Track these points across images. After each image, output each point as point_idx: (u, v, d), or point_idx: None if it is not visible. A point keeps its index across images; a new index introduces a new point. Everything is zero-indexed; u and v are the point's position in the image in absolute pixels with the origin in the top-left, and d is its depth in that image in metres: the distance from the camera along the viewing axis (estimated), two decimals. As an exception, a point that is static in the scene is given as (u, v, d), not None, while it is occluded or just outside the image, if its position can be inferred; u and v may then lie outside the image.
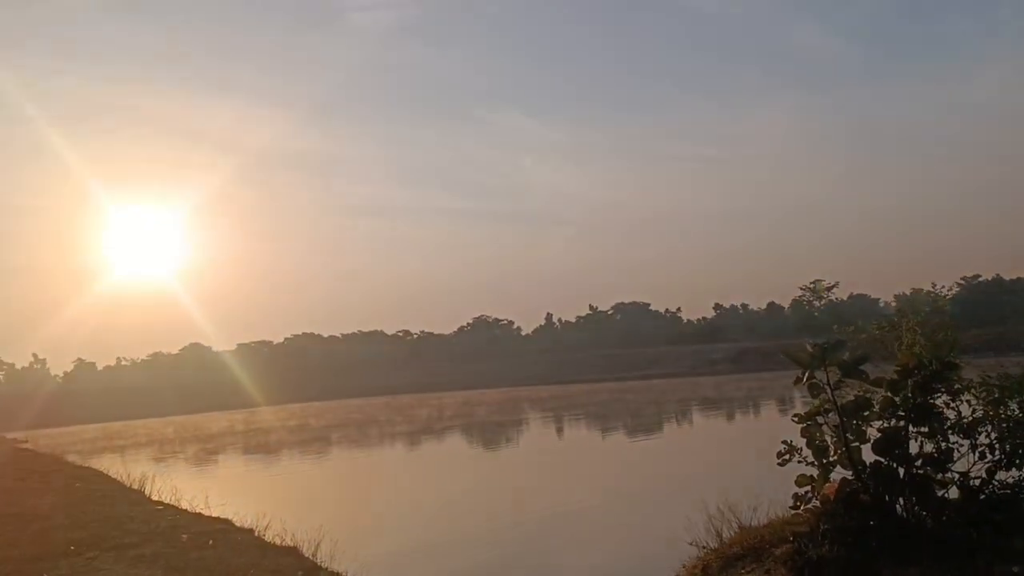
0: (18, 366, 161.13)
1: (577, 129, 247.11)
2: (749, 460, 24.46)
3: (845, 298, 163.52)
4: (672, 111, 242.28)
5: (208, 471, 32.99)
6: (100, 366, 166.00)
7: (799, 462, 7.01)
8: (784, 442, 7.09)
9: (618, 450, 31.43)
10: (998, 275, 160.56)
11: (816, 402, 7.11)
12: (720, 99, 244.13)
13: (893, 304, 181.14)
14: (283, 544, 13.57)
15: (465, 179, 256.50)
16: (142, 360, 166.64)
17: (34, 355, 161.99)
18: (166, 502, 18.99)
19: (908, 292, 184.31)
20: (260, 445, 44.93)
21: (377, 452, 38.13)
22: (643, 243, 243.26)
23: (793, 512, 7.20)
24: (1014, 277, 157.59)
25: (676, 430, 38.77)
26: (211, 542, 13.38)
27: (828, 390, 6.28)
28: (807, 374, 6.33)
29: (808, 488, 6.66)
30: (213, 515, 16.80)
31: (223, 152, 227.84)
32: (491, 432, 44.08)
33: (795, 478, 6.69)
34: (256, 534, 14.71)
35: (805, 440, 6.66)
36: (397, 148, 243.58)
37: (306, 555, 12.97)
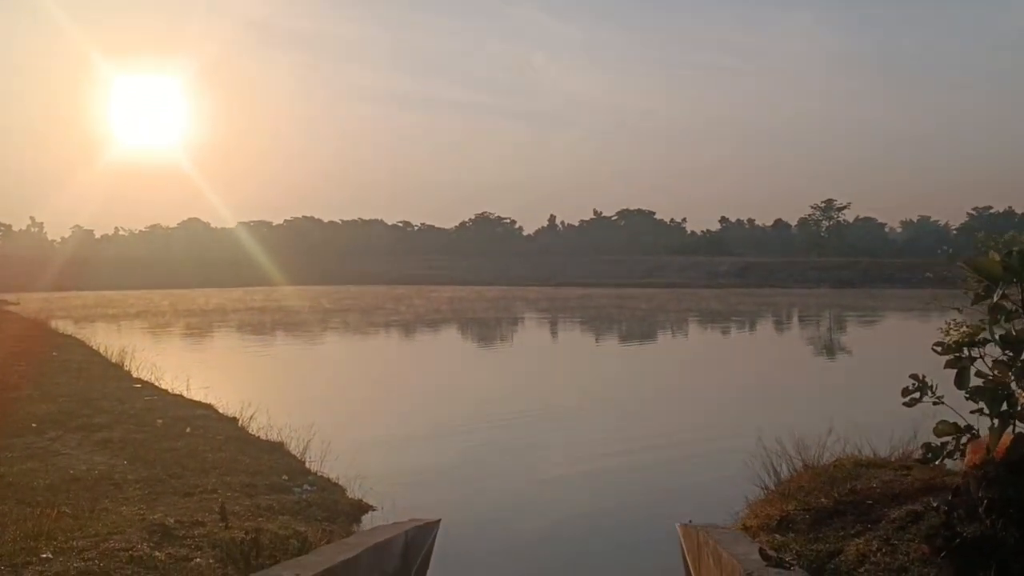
0: (15, 228, 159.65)
1: (592, 27, 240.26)
2: (794, 385, 23.13)
3: (851, 221, 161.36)
4: (690, 17, 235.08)
5: (198, 349, 31.66)
6: (98, 235, 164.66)
7: (934, 403, 5.40)
8: (914, 376, 5.46)
9: (631, 360, 30.10)
10: (1010, 207, 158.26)
11: (960, 328, 5.47)
12: (740, 6, 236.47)
13: (899, 230, 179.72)
14: (267, 439, 12.19)
15: (474, 72, 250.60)
16: (140, 232, 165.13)
17: (31, 218, 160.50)
18: (146, 380, 17.64)
19: (915, 219, 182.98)
20: (254, 325, 43.64)
21: (374, 341, 36.82)
22: (651, 151, 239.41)
23: (918, 467, 5.66)
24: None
25: (706, 343, 37.44)
26: (188, 430, 11.99)
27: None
28: (998, 292, 4.63)
29: (951, 440, 5.05)
30: (195, 399, 15.45)
31: (219, 17, 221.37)
32: (490, 329, 42.79)
33: (934, 426, 5.07)
34: (239, 424, 13.35)
35: (956, 377, 5.00)
36: (405, 32, 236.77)
37: (293, 453, 11.60)
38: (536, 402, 18.59)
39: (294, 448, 11.80)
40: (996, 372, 4.89)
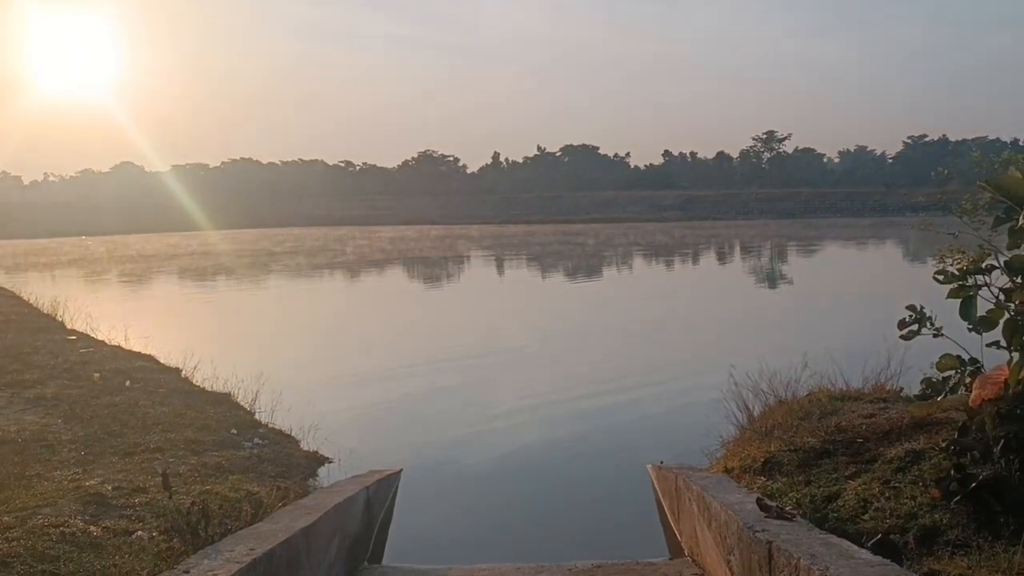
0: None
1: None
2: (755, 318, 23.05)
3: (791, 152, 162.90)
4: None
5: (136, 297, 30.53)
6: (26, 180, 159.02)
7: (934, 335, 5.07)
8: (911, 308, 5.12)
9: (583, 297, 29.79)
10: (944, 135, 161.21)
11: (960, 255, 5.13)
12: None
13: (837, 160, 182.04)
14: (213, 390, 11.57)
15: (413, 6, 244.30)
16: (71, 177, 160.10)
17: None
18: (82, 332, 16.77)
19: (853, 149, 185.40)
20: (194, 271, 42.35)
21: (318, 284, 36.01)
22: (594, 86, 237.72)
23: (917, 402, 5.34)
24: (959, 139, 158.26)
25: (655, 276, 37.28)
26: (128, 383, 11.30)
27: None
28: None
29: (953, 374, 4.73)
30: (135, 350, 14.70)
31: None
32: (436, 269, 42.18)
33: (937, 360, 4.74)
34: (183, 375, 12.69)
35: (962, 307, 4.65)
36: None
37: (241, 405, 11.02)
38: (491, 342, 18.19)
39: (242, 399, 11.20)
40: (1006, 300, 4.55)
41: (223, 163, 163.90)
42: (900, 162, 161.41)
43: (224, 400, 11.04)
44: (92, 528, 4.82)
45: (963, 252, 5.65)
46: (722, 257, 46.33)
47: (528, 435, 10.67)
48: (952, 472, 4.30)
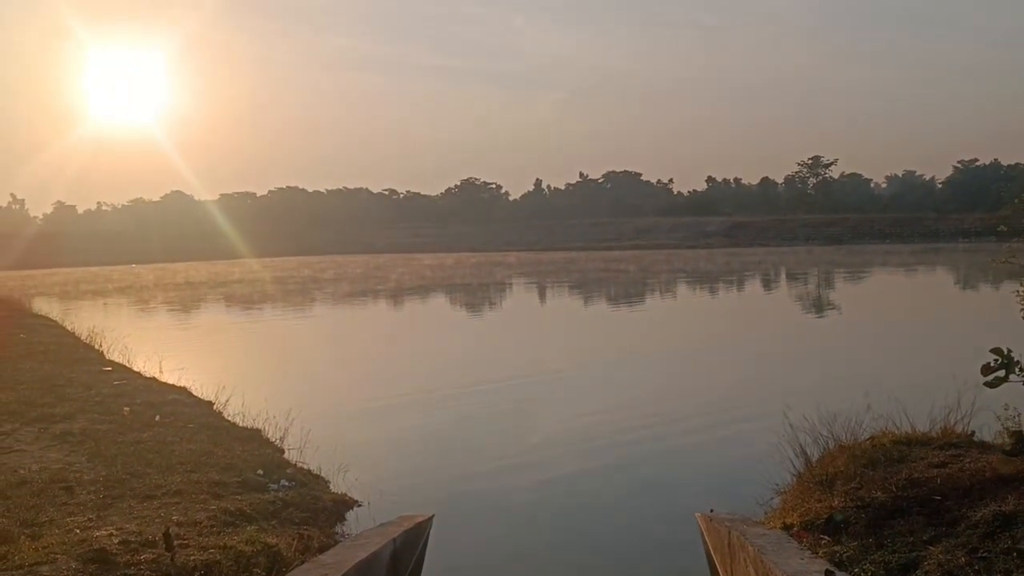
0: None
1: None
2: (810, 351, 22.26)
3: (837, 177, 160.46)
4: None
5: (176, 326, 30.54)
6: (80, 210, 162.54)
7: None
8: (996, 351, 4.56)
9: (626, 326, 29.15)
10: (996, 159, 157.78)
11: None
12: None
13: (884, 185, 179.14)
14: (244, 425, 11.23)
15: (453, 36, 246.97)
16: (123, 206, 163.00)
17: (12, 195, 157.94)
18: (118, 362, 16.63)
19: (900, 174, 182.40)
20: (236, 299, 42.51)
21: (359, 313, 35.83)
22: (636, 112, 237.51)
23: (1004, 456, 4.76)
24: (1012, 163, 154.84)
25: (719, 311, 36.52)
26: (157, 418, 11.02)
27: None
28: None
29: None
30: (168, 382, 14.46)
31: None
32: (477, 297, 41.80)
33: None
34: (214, 409, 12.40)
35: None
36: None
37: (271, 441, 10.66)
38: (530, 375, 17.63)
39: (272, 435, 10.87)
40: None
41: (270, 192, 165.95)
42: (950, 187, 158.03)
43: (254, 436, 10.69)
44: (89, 591, 4.42)
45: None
46: (769, 286, 45.32)
47: (568, 476, 10.10)
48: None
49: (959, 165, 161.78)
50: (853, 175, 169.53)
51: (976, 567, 4.08)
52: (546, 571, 7.27)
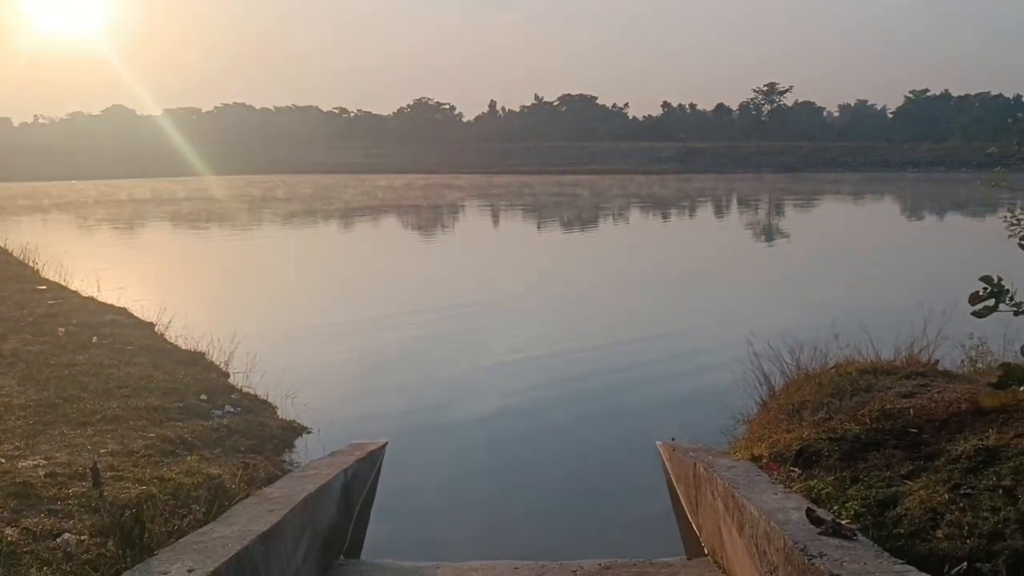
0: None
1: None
2: (769, 277, 22.21)
3: (791, 105, 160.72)
4: None
5: (116, 244, 29.51)
6: (16, 123, 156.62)
7: (1016, 313, 4.26)
8: (986, 279, 4.30)
9: (581, 250, 28.87)
10: (947, 90, 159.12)
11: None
12: None
13: (837, 114, 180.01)
14: (187, 348, 10.76)
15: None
16: (61, 119, 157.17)
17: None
18: (54, 281, 15.91)
19: (853, 103, 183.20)
20: (179, 218, 41.31)
21: (306, 233, 35.01)
22: (593, 34, 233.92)
23: (990, 389, 4.54)
24: (962, 93, 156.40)
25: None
26: (95, 339, 10.46)
27: None
28: None
29: (1046, 360, 3.93)
30: (108, 302, 13.86)
31: None
32: (428, 219, 41.17)
33: (1023, 346, 3.94)
34: (156, 331, 11.88)
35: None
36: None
37: (216, 365, 10.23)
38: (486, 295, 17.31)
39: (218, 359, 10.43)
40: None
41: (216, 108, 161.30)
42: (901, 117, 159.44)
43: (198, 360, 10.24)
44: (9, 530, 4.03)
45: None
46: (728, 213, 45.35)
47: (526, 403, 9.85)
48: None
49: (910, 95, 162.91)
50: (807, 103, 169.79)
51: (960, 504, 3.88)
52: (503, 500, 7.04)
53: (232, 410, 8.00)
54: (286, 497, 4.79)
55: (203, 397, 8.23)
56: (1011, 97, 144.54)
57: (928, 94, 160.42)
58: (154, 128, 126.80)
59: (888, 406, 5.54)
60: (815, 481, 4.69)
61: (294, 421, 8.35)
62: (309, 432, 8.18)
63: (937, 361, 7.63)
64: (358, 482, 6.32)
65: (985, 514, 3.74)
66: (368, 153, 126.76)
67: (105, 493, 4.59)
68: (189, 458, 5.76)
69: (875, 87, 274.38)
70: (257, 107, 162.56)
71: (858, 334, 8.39)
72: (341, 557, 5.55)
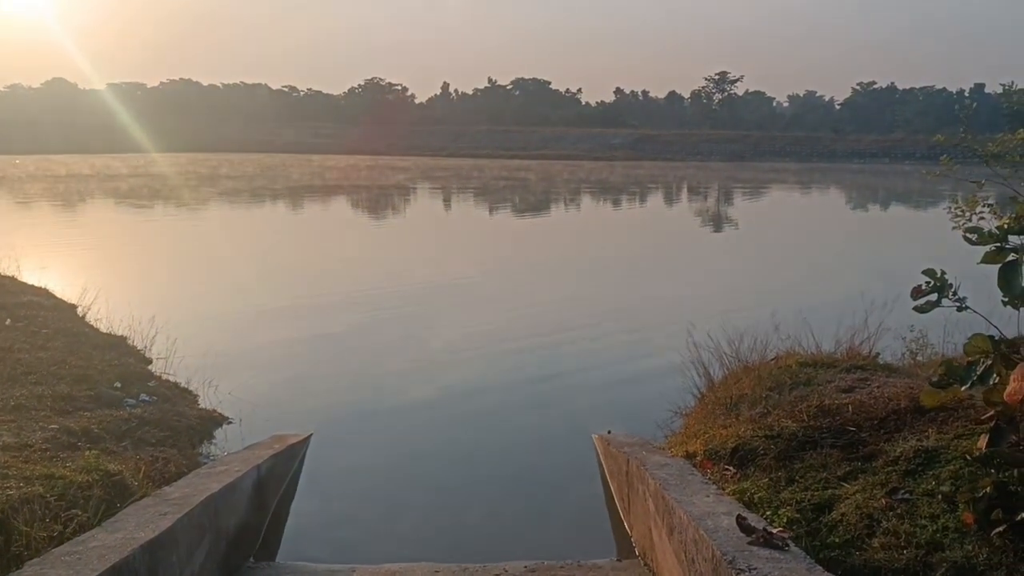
0: None
1: None
2: (713, 266, 22.14)
3: (741, 94, 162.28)
4: None
5: (46, 222, 28.44)
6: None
7: (958, 309, 4.06)
8: (929, 272, 4.10)
9: (528, 234, 28.59)
10: (892, 83, 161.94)
11: (976, 207, 4.11)
12: None
13: (786, 104, 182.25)
14: (108, 332, 10.26)
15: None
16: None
17: None
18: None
19: (802, 94, 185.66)
20: (116, 195, 40.09)
21: (251, 211, 34.20)
22: (546, 17, 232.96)
23: (931, 389, 4.34)
24: (908, 87, 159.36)
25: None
26: (8, 321, 9.90)
27: None
28: None
29: (984, 362, 3.73)
30: (28, 282, 13.22)
31: None
32: (376, 201, 40.55)
33: (965, 343, 3.74)
34: (78, 313, 11.33)
35: (1001, 276, 3.66)
36: None
37: (138, 350, 9.76)
38: (422, 285, 16.90)
39: (139, 343, 9.96)
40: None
41: (162, 83, 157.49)
42: (848, 108, 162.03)
43: (118, 345, 9.76)
44: None
45: (990, 205, 4.67)
46: (676, 201, 45.44)
47: (460, 391, 9.54)
48: (990, 492, 3.32)
49: (857, 87, 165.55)
50: (757, 93, 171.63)
51: (898, 510, 3.68)
52: (430, 495, 6.73)
53: (147, 399, 7.56)
54: (185, 498, 4.42)
55: (117, 385, 7.77)
56: (954, 91, 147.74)
57: (875, 86, 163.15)
58: (97, 103, 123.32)
59: (827, 402, 5.34)
60: (748, 483, 4.47)
61: (214, 411, 7.94)
62: (230, 423, 7.79)
63: (877, 354, 7.50)
64: (275, 478, 5.96)
65: (923, 522, 3.54)
66: (317, 133, 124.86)
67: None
68: (88, 453, 5.33)
69: (824, 79, 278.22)
70: (204, 83, 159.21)
71: (799, 325, 8.25)
72: (251, 560, 5.20)
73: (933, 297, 4.11)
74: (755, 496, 4.21)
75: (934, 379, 4.00)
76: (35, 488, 4.50)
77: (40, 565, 3.34)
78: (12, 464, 5.00)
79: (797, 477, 4.41)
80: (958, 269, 4.33)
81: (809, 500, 4.06)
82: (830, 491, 4.11)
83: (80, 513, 4.17)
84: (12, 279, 13.29)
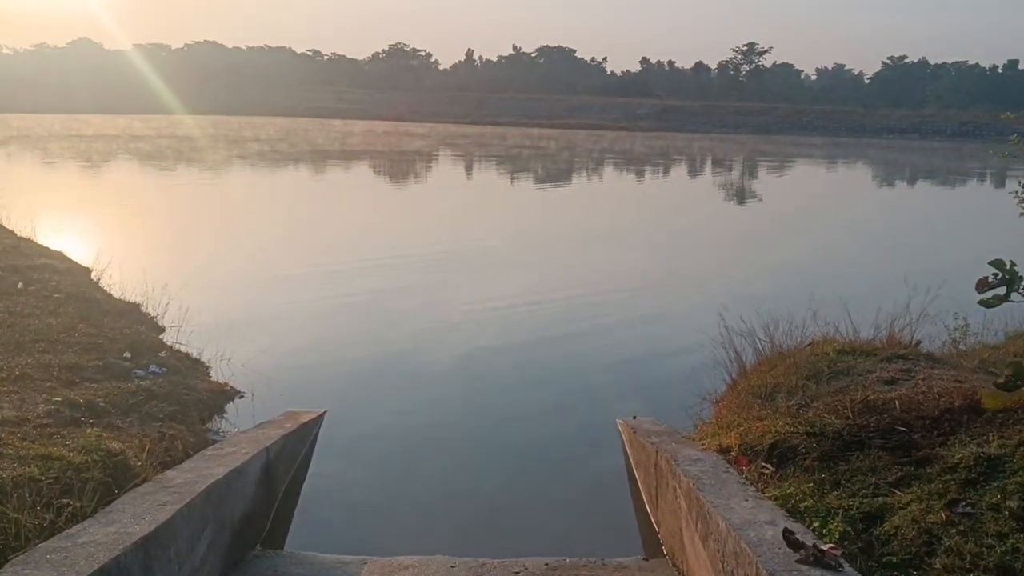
0: None
1: None
2: (745, 243, 21.67)
3: (769, 66, 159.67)
4: None
5: (67, 183, 28.27)
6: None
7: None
8: (997, 264, 3.74)
9: (552, 204, 28.12)
10: (924, 57, 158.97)
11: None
12: None
13: (814, 77, 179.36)
14: (122, 298, 10.04)
15: None
16: (25, 50, 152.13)
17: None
18: (-8, 219, 14.97)
19: (831, 67, 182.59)
20: (139, 155, 39.92)
21: (271, 176, 33.89)
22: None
23: (994, 390, 3.98)
24: (939, 62, 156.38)
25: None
26: (20, 285, 9.69)
27: None
28: None
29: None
30: (45, 244, 13.02)
31: None
32: (397, 167, 40.14)
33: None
34: (92, 277, 11.12)
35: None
36: None
37: (151, 317, 9.55)
38: (446, 252, 16.57)
39: (154, 310, 9.74)
40: None
41: (186, 45, 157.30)
42: (878, 82, 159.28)
43: (131, 311, 9.54)
44: None
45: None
46: (702, 173, 44.70)
47: (480, 369, 9.24)
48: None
49: (888, 61, 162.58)
50: (785, 65, 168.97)
51: (960, 526, 3.34)
52: (451, 478, 6.45)
53: (157, 370, 7.32)
54: (187, 484, 4.16)
55: (127, 355, 7.53)
56: (987, 67, 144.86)
57: (905, 61, 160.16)
58: (122, 63, 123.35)
59: (871, 396, 4.99)
60: (790, 485, 4.14)
61: (226, 384, 7.69)
62: (242, 397, 7.54)
63: (919, 342, 7.12)
64: (284, 460, 5.70)
65: (990, 541, 3.21)
66: (341, 98, 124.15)
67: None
68: (89, 430, 5.08)
69: (853, 52, 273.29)
70: (229, 46, 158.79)
71: (836, 308, 7.87)
72: (257, 547, 4.95)
73: (1001, 291, 3.75)
74: (800, 504, 3.88)
75: (1000, 381, 3.65)
76: (30, 470, 4.25)
77: (23, 564, 3.08)
78: (9, 442, 4.75)
79: (843, 481, 4.08)
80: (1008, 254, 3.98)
81: (858, 508, 3.74)
82: (881, 499, 3.78)
83: (71, 502, 3.90)
84: (29, 241, 13.11)
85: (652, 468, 5.34)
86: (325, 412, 7.03)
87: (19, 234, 13.60)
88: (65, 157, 37.68)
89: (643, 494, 5.72)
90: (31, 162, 35.09)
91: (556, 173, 38.78)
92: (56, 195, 23.32)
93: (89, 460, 4.57)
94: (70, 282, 10.40)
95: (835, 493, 3.98)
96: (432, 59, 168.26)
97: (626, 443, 6.50)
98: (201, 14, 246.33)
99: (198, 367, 8.06)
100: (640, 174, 40.42)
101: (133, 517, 3.61)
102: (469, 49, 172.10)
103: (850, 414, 4.77)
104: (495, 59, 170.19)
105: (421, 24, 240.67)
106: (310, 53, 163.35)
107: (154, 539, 3.44)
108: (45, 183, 26.96)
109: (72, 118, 77.59)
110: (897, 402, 4.83)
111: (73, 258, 12.07)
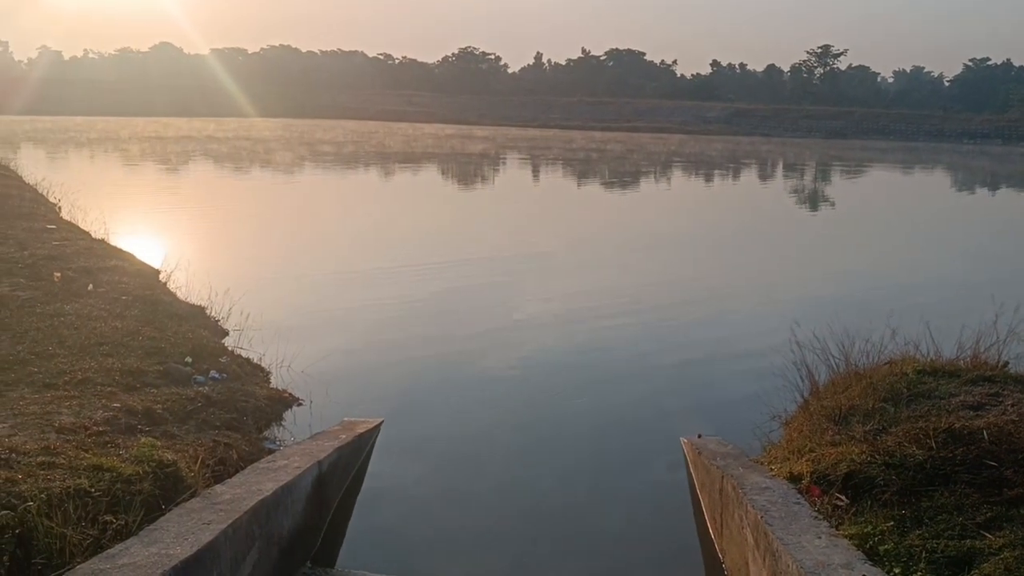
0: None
1: None
2: (819, 252, 21.11)
3: (844, 69, 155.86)
4: None
5: (146, 184, 28.92)
6: (67, 56, 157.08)
7: None
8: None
9: (619, 212, 27.80)
10: (1008, 59, 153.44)
11: None
12: None
13: (891, 80, 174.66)
14: (188, 301, 10.11)
15: None
16: (110, 55, 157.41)
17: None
18: (67, 219, 15.34)
19: (909, 70, 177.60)
20: (217, 157, 40.73)
21: (341, 178, 34.22)
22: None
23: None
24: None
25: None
26: (90, 287, 9.82)
27: None
28: None
29: None
30: (116, 246, 13.25)
31: None
32: (467, 170, 40.18)
33: None
34: (161, 279, 11.24)
35: None
36: None
37: (215, 320, 9.59)
38: (511, 256, 16.40)
39: (218, 314, 9.78)
40: None
41: (262, 49, 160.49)
42: (958, 85, 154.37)
43: (195, 315, 9.58)
44: None
45: None
46: (773, 179, 43.77)
47: (543, 380, 9.02)
48: None
49: (969, 63, 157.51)
50: (860, 67, 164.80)
51: (1060, 579, 3.03)
52: (507, 494, 6.27)
53: (217, 376, 7.29)
54: (235, 501, 4.06)
55: (188, 360, 7.53)
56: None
57: (988, 63, 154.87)
58: (200, 67, 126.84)
59: (956, 424, 4.66)
60: (867, 522, 3.85)
61: (285, 391, 7.63)
62: (300, 404, 7.46)
63: (1007, 363, 6.69)
64: (338, 473, 5.58)
65: (1095, 598, 2.90)
66: (411, 101, 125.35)
67: (22, 489, 3.88)
68: (144, 440, 5.04)
69: (932, 54, 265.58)
70: (303, 50, 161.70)
71: (915, 323, 7.47)
72: (307, 565, 4.83)
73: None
74: (879, 546, 3.59)
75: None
76: (81, 481, 4.20)
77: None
78: (63, 451, 4.72)
79: (926, 520, 3.78)
80: None
81: (943, 551, 3.45)
82: (969, 541, 3.49)
83: (113, 520, 3.82)
84: (102, 242, 13.35)
85: (717, 493, 5.09)
86: (382, 422, 6.91)
87: (94, 235, 13.88)
88: (144, 159, 38.66)
89: (707, 519, 5.46)
90: (113, 164, 36.08)
91: (629, 178, 38.38)
92: (133, 196, 23.87)
93: (140, 471, 4.51)
94: (138, 284, 10.52)
95: (917, 533, 3.69)
96: (501, 62, 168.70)
97: (690, 464, 6.24)
98: (277, 19, 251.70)
99: (258, 373, 8.03)
100: (709, 179, 39.74)
101: (176, 537, 3.52)
102: (538, 52, 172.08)
103: (933, 444, 4.45)
104: (564, 62, 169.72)
105: (491, 28, 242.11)
106: (382, 57, 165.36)
107: (195, 561, 3.35)
108: (124, 184, 27.62)
109: (152, 120, 79.78)
110: (985, 432, 4.49)
111: (143, 260, 12.24)
